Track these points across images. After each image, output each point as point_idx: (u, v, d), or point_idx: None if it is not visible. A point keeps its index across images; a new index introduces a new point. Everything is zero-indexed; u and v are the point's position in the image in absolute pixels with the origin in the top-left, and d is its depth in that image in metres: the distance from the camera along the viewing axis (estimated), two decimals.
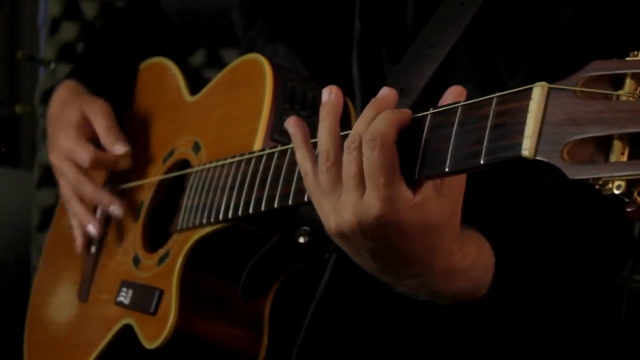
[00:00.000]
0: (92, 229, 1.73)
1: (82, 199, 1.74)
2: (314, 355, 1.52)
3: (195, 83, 1.73)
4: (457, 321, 1.40)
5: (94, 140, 1.73)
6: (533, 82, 1.01)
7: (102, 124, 1.73)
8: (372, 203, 1.11)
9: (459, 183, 1.14)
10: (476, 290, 1.26)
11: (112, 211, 1.70)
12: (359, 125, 1.14)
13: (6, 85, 3.69)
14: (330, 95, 1.21)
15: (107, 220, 1.77)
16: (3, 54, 3.66)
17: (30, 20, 3.36)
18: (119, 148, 1.71)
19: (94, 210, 1.76)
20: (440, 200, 1.13)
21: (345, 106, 1.52)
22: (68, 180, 1.74)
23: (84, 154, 1.70)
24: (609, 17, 1.38)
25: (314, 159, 1.20)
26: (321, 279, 1.52)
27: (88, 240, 1.77)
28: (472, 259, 1.23)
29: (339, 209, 1.15)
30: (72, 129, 1.73)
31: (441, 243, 1.17)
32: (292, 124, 1.23)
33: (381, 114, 1.12)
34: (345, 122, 1.50)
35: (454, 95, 1.13)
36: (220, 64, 1.96)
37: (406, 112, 1.13)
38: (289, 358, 1.53)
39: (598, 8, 1.38)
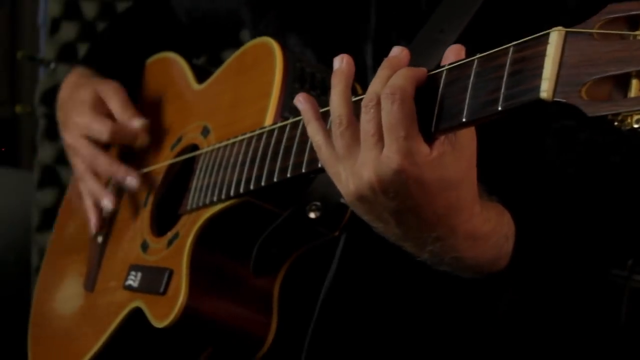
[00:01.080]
0: (108, 203, 1.72)
1: (96, 175, 1.73)
2: (327, 341, 1.51)
3: (202, 74, 1.75)
4: (476, 297, 1.39)
5: (109, 115, 1.74)
6: None
7: (117, 102, 1.73)
8: (391, 157, 1.11)
9: (470, 140, 1.15)
10: (497, 259, 1.26)
11: (128, 183, 1.69)
12: (375, 85, 1.15)
13: (6, 85, 3.71)
14: (341, 63, 1.22)
15: (114, 210, 1.77)
16: (3, 54, 3.68)
17: (30, 20, 3.39)
18: (137, 122, 1.71)
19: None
20: (456, 155, 1.13)
21: (355, 92, 1.54)
22: (83, 157, 1.73)
23: (103, 127, 1.70)
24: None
25: (326, 131, 1.21)
26: (330, 263, 1.52)
27: (103, 221, 1.75)
28: (493, 225, 1.23)
29: (357, 170, 1.15)
30: (87, 107, 1.74)
31: (461, 202, 1.17)
32: (301, 100, 1.24)
33: (398, 72, 1.13)
34: None
35: (454, 54, 1.14)
36: (220, 64, 1.95)
37: (422, 70, 1.14)
38: (298, 342, 1.53)
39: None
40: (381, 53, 1.55)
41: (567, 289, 1.43)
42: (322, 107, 1.49)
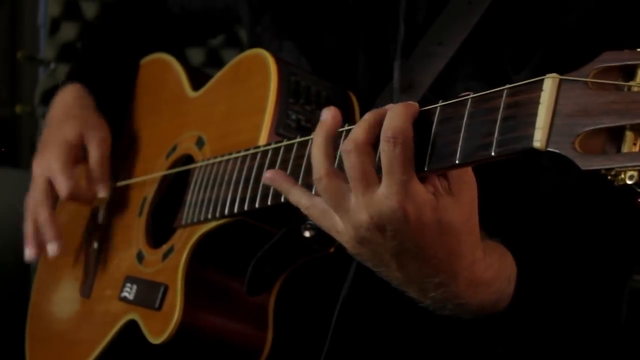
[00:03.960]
0: (28, 252, 1.75)
1: (34, 222, 1.74)
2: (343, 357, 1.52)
3: (197, 78, 1.73)
4: (478, 331, 1.39)
5: (82, 160, 1.75)
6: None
7: (95, 156, 1.73)
8: (391, 198, 1.10)
9: (470, 185, 1.14)
10: (499, 302, 1.26)
11: (48, 248, 1.71)
12: (356, 132, 1.13)
13: (6, 85, 3.70)
14: (327, 115, 1.20)
15: (110, 217, 1.77)
16: (3, 54, 3.67)
17: (30, 20, 3.36)
18: (101, 191, 1.73)
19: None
20: (455, 199, 1.12)
21: (349, 100, 1.54)
22: (34, 198, 1.74)
23: (64, 185, 1.70)
24: (617, 16, 1.39)
25: (308, 192, 1.22)
26: (327, 273, 1.52)
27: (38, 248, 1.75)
28: (495, 270, 1.22)
29: (353, 216, 1.14)
30: (65, 149, 1.73)
31: (462, 248, 1.16)
32: (269, 177, 1.25)
33: (393, 110, 1.11)
34: (348, 116, 1.52)
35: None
36: (220, 64, 1.96)
37: (414, 106, 1.13)
38: (296, 354, 1.54)
39: (606, 7, 1.38)
40: (376, 66, 1.54)
41: (579, 309, 1.42)
42: (316, 122, 1.49)
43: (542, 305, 1.31)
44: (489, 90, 1.07)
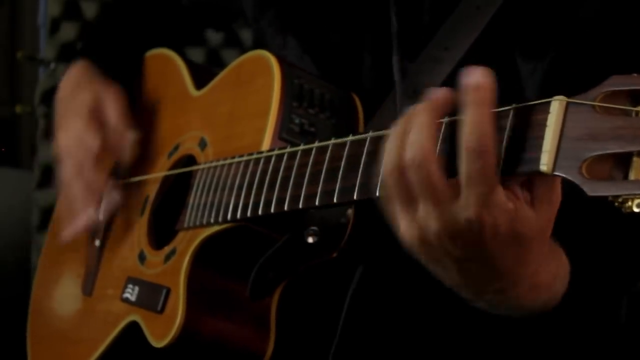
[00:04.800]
0: (65, 234, 1.71)
1: (83, 183, 1.70)
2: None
3: (200, 76, 1.72)
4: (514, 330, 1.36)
5: (104, 125, 1.73)
6: (552, 87, 1.00)
7: (114, 112, 1.72)
8: (466, 208, 1.04)
9: (554, 203, 1.08)
10: (550, 300, 1.22)
11: (110, 198, 1.70)
12: (420, 138, 1.05)
13: (6, 85, 3.69)
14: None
15: (111, 213, 1.76)
16: (3, 54, 3.66)
17: (30, 20, 3.35)
18: (130, 135, 1.71)
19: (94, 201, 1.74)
20: (533, 213, 1.07)
21: (353, 103, 1.53)
22: (72, 161, 1.71)
23: (93, 140, 1.69)
24: (628, 19, 1.37)
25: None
26: (329, 275, 1.52)
27: (76, 232, 1.72)
28: (554, 273, 1.19)
29: (421, 221, 1.08)
30: (84, 113, 1.72)
31: (530, 257, 1.11)
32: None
33: (471, 114, 1.02)
34: (351, 120, 1.51)
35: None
36: (220, 64, 1.96)
37: (489, 103, 1.04)
38: (299, 356, 1.54)
39: (618, 8, 1.37)
40: (381, 66, 1.53)
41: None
42: (320, 125, 1.49)
43: (589, 305, 1.28)
44: (499, 99, 1.05)
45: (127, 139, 1.71)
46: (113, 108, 1.73)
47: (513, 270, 1.11)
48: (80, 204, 1.69)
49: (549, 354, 1.40)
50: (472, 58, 1.42)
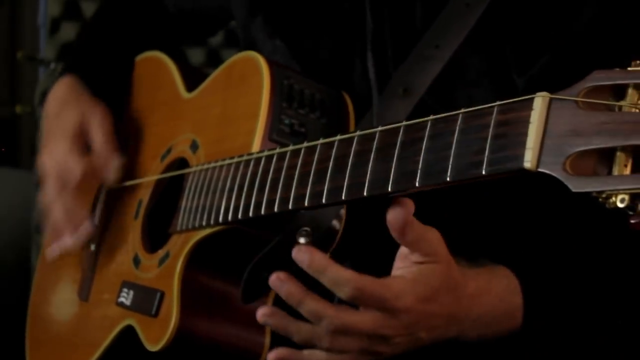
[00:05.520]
0: (49, 253, 1.72)
1: (63, 208, 1.71)
2: None
3: (192, 79, 1.72)
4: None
5: (88, 147, 1.72)
6: (547, 84, 1.00)
7: (100, 135, 1.72)
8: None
9: (430, 242, 1.20)
10: (512, 317, 1.31)
11: (81, 231, 1.69)
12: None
13: (6, 85, 3.69)
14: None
15: (106, 218, 1.76)
16: (3, 54, 3.66)
17: (30, 20, 3.35)
18: (111, 169, 1.71)
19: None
20: (427, 267, 1.21)
21: (344, 105, 1.52)
22: (54, 183, 1.71)
23: (76, 165, 1.69)
24: (624, 21, 1.37)
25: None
26: None
27: (55, 255, 1.73)
28: (494, 294, 1.29)
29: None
30: (69, 136, 1.71)
31: (455, 302, 1.25)
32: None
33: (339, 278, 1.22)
34: (342, 119, 1.51)
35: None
36: (220, 64, 1.94)
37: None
38: None
39: (613, 13, 1.37)
40: (378, 66, 1.52)
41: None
42: (311, 125, 1.49)
43: (560, 307, 1.33)
44: (492, 98, 1.05)
45: (111, 164, 1.70)
46: (99, 131, 1.72)
47: (451, 319, 1.25)
48: (60, 228, 1.71)
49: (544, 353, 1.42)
50: (464, 57, 1.42)
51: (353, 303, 1.21)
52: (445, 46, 1.41)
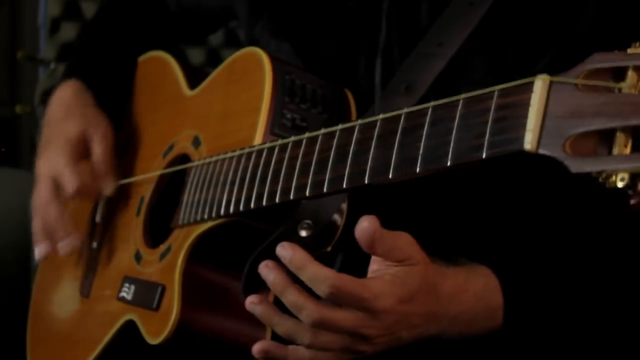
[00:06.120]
0: (38, 252, 1.73)
1: (42, 221, 1.72)
2: None
3: (194, 77, 1.73)
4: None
5: (88, 158, 1.74)
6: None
7: (99, 152, 1.73)
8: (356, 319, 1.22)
9: (403, 246, 1.21)
10: (493, 316, 1.31)
11: (60, 246, 1.70)
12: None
13: (6, 85, 3.69)
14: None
15: (108, 216, 1.77)
16: (3, 54, 3.66)
17: (30, 20, 3.36)
18: (106, 187, 1.73)
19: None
20: (403, 269, 1.22)
21: (346, 101, 1.53)
22: (44, 194, 1.72)
23: (71, 182, 1.69)
24: (627, 19, 1.38)
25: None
26: None
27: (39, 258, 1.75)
28: (472, 292, 1.30)
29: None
30: (68, 146, 1.72)
31: (434, 302, 1.26)
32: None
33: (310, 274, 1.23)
34: (343, 114, 1.51)
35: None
36: (220, 64, 1.96)
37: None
38: None
39: (615, 13, 1.37)
40: (385, 66, 1.52)
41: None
42: (313, 120, 1.49)
43: (542, 304, 1.33)
44: (482, 90, 1.06)
45: (106, 183, 1.72)
46: (100, 147, 1.73)
47: (431, 319, 1.26)
48: (44, 237, 1.72)
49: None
50: (467, 55, 1.42)
51: (333, 301, 1.21)
52: (448, 44, 1.42)
